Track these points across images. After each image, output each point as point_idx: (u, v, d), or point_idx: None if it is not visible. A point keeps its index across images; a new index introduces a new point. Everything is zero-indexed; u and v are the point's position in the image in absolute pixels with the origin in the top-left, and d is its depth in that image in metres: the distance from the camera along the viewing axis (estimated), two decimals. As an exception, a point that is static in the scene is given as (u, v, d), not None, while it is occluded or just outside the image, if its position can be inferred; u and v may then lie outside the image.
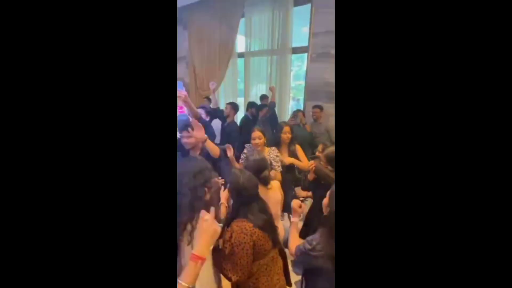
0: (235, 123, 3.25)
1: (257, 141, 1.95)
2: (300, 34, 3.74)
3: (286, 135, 2.13)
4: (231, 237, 1.04)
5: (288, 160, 2.10)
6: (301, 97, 3.99)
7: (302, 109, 3.49)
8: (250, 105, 3.47)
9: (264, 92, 3.79)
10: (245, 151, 2.12)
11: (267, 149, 2.04)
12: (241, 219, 1.11)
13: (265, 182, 1.53)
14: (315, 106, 3.19)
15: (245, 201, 1.15)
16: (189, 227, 0.96)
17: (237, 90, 4.45)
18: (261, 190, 1.28)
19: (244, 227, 1.04)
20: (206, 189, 1.01)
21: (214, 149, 1.71)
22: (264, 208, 1.16)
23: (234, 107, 3.14)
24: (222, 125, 3.19)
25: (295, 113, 3.23)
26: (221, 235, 1.07)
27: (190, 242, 0.97)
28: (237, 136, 2.93)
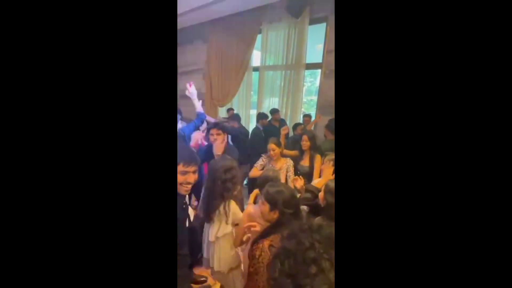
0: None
1: (271, 152, 2.13)
2: (313, 51, 3.84)
3: (304, 142, 2.29)
4: (260, 255, 0.94)
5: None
6: (312, 112, 4.05)
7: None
8: (260, 116, 3.58)
9: (276, 106, 3.88)
10: (262, 161, 2.24)
11: (282, 159, 2.17)
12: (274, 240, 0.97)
13: None
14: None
15: (283, 220, 1.02)
16: (222, 210, 1.21)
17: (250, 103, 4.57)
18: None
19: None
20: (232, 183, 1.21)
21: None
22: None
23: (236, 117, 3.31)
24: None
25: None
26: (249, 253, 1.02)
27: (227, 221, 1.23)
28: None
